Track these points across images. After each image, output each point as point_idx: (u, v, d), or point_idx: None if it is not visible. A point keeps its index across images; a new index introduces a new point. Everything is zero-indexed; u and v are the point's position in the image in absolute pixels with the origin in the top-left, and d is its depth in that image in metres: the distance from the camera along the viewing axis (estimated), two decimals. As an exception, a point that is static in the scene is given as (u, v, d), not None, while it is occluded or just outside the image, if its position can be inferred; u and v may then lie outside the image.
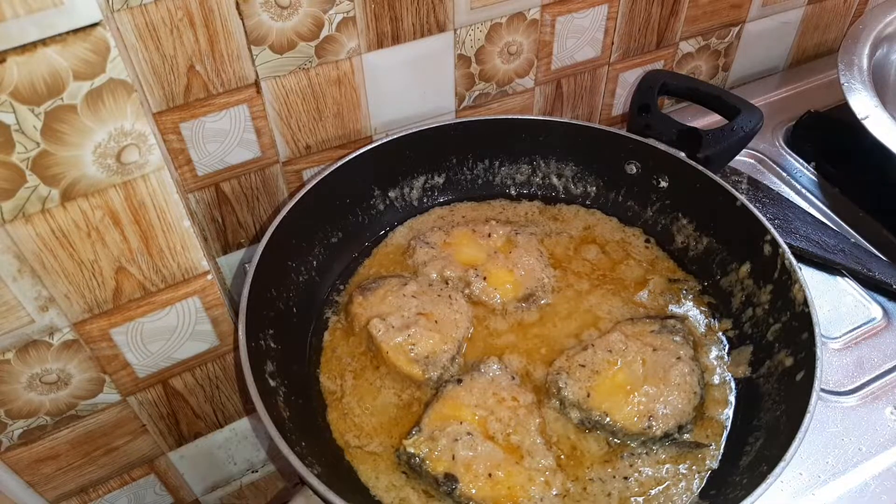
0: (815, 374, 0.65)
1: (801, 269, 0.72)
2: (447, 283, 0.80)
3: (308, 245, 0.81)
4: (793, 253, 0.74)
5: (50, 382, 0.65)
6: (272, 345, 0.71)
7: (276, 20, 0.70)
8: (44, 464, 0.71)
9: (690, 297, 0.82)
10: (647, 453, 0.68)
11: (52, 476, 0.73)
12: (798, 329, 0.70)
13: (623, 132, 0.88)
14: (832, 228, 0.92)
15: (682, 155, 0.84)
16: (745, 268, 0.79)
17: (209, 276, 0.68)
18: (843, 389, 0.78)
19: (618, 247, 0.87)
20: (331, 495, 0.56)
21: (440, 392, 0.70)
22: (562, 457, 0.68)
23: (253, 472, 0.93)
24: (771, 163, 1.02)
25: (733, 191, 0.79)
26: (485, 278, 0.79)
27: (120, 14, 0.62)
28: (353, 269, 0.85)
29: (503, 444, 0.66)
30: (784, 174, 1.01)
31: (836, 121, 1.03)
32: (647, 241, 0.88)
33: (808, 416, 0.61)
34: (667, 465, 0.68)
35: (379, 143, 0.84)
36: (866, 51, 0.95)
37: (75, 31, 0.47)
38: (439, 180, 0.91)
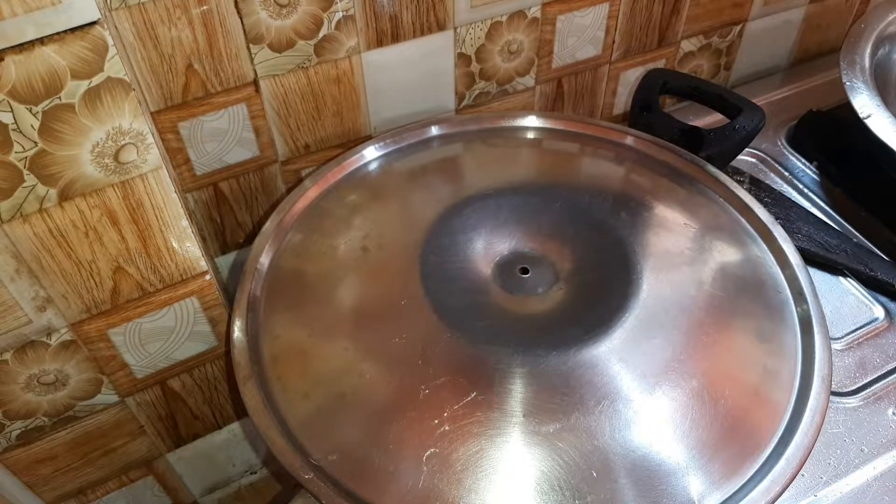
0: (818, 375, 0.64)
1: (803, 270, 0.72)
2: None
3: (307, 245, 0.81)
4: (795, 253, 0.74)
5: (48, 383, 0.65)
6: (271, 345, 0.70)
7: (274, 18, 0.70)
8: (42, 465, 0.71)
9: (692, 297, 0.82)
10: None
11: (51, 477, 0.73)
12: (800, 330, 0.70)
13: (624, 131, 0.88)
14: (834, 228, 0.91)
15: (684, 154, 0.84)
16: (747, 268, 0.79)
17: (207, 277, 0.67)
18: (845, 390, 0.77)
19: (619, 247, 0.86)
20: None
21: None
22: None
23: (252, 473, 0.93)
24: (773, 162, 1.02)
25: (735, 190, 0.79)
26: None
27: (118, 12, 0.61)
28: (353, 269, 0.84)
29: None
30: (786, 173, 1.00)
31: (838, 120, 1.03)
32: (649, 240, 0.87)
33: (810, 417, 0.61)
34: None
35: (379, 142, 0.83)
36: (868, 50, 0.94)
37: (73, 29, 0.47)
38: (439, 180, 0.90)
